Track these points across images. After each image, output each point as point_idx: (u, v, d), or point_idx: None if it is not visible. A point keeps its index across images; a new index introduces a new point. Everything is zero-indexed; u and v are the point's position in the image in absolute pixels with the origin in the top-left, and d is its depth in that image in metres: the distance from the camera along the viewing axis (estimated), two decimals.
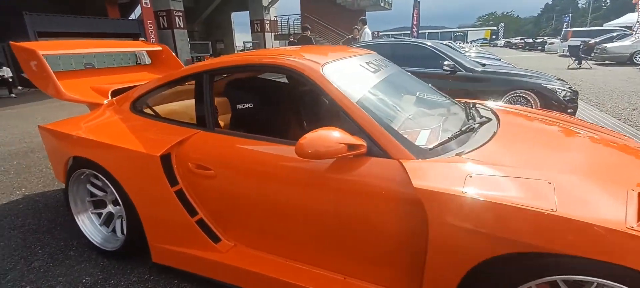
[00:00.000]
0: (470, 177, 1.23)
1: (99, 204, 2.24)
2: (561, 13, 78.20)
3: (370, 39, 8.59)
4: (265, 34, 22.72)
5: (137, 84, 2.84)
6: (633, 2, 30.37)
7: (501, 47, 37.07)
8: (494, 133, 1.65)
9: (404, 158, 1.36)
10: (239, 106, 1.96)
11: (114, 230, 2.20)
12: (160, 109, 2.36)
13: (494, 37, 51.44)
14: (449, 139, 1.51)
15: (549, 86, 4.69)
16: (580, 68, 12.75)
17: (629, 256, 0.98)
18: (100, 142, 1.92)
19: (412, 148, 1.40)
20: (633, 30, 14.79)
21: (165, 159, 1.77)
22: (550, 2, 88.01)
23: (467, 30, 48.04)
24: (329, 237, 1.54)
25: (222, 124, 2.04)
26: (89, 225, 2.22)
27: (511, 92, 4.79)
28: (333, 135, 1.36)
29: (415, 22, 21.35)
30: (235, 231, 1.80)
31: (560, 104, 4.58)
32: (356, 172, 1.41)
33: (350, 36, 9.91)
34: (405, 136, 1.44)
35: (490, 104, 2.40)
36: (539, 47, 26.70)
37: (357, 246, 1.48)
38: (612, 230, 0.99)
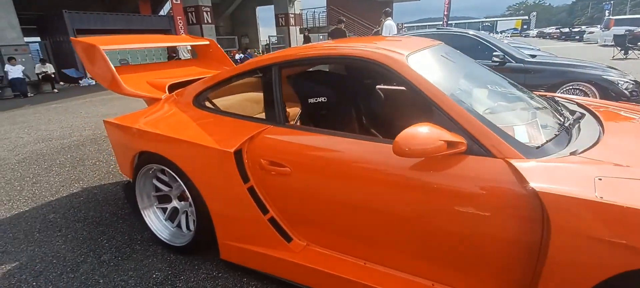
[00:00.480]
0: (600, 179, 1.10)
1: (163, 199, 2.25)
2: (598, 1, 73.93)
3: (395, 32, 7.99)
4: (290, 27, 22.74)
5: (192, 79, 2.86)
6: None
7: (533, 37, 35.41)
8: (601, 129, 1.50)
9: (510, 157, 1.24)
10: (311, 100, 1.88)
11: (179, 226, 2.19)
12: (218, 102, 2.33)
13: (525, 27, 49.19)
14: (556, 136, 1.38)
15: (608, 77, 4.37)
16: (626, 58, 11.96)
17: None
18: (170, 137, 1.90)
19: (519, 147, 1.27)
20: None
21: (237, 155, 1.72)
22: None
23: (496, 20, 46.15)
24: (417, 239, 1.44)
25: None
26: (155, 221, 2.23)
27: (567, 84, 4.50)
28: (432, 132, 1.26)
29: (445, 13, 20.78)
30: (309, 230, 1.74)
31: (621, 97, 4.26)
32: (453, 171, 1.30)
33: (377, 28, 9.64)
34: (508, 132, 1.32)
35: (570, 96, 2.22)
36: (577, 37, 25.28)
37: (449, 251, 1.38)
38: None
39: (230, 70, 2.06)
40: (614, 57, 12.42)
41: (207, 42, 3.52)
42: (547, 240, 1.11)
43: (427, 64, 1.58)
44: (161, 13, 22.15)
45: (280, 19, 22.82)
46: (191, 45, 3.53)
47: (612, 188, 1.05)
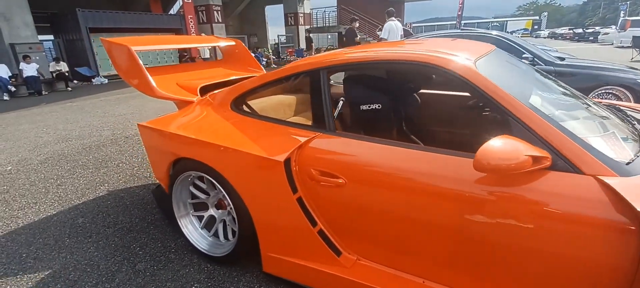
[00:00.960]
0: None
1: (198, 207, 2.17)
2: (610, 1, 72.74)
3: (400, 34, 7.44)
4: (299, 27, 22.68)
5: (224, 81, 2.78)
6: None
7: (545, 38, 34.90)
8: None
9: (600, 174, 1.14)
10: (364, 107, 1.79)
11: (215, 235, 2.12)
12: (254, 105, 2.26)
13: (536, 27, 48.54)
14: None
15: None
16: None
17: None
18: (212, 144, 1.82)
19: (610, 162, 1.17)
20: None
21: (286, 164, 1.63)
22: None
23: (506, 21, 45.65)
24: (488, 260, 1.34)
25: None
26: (192, 230, 2.15)
27: (599, 88, 4.35)
28: (515, 146, 1.16)
29: (459, 13, 20.55)
30: (361, 244, 1.65)
31: None
32: (536, 188, 1.20)
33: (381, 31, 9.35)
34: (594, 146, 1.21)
35: (624, 103, 2.10)
36: (591, 38, 24.84)
37: (525, 275, 1.27)
38: None
39: (272, 73, 1.97)
40: (633, 59, 12.15)
41: (233, 43, 3.45)
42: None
43: (495, 70, 1.48)
44: (171, 12, 22.23)
45: (289, 18, 22.74)
46: (218, 46, 3.45)
47: None
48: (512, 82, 1.43)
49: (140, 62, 2.45)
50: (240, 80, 2.90)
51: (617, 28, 21.01)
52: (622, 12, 27.46)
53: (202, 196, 2.09)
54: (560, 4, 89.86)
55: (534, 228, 1.20)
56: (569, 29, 29.92)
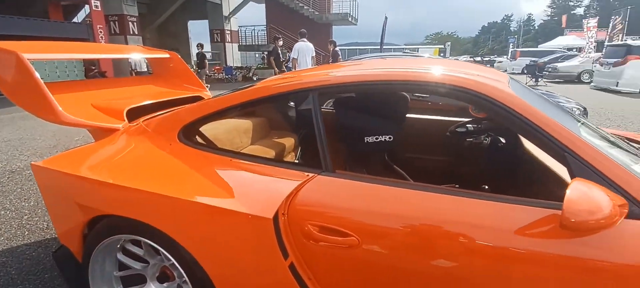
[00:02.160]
0: None
1: (131, 280, 1.54)
2: (496, 34, 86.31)
3: (312, 55, 7.62)
4: (226, 44, 21.76)
5: (159, 102, 2.18)
6: (563, 26, 34.01)
7: None
8: None
9: None
10: (370, 139, 1.43)
11: None
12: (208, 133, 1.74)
13: (441, 55, 54.76)
14: None
15: (565, 105, 4.68)
16: (537, 85, 13.68)
17: None
18: (158, 195, 1.26)
19: None
20: (582, 52, 16.31)
21: (274, 220, 1.18)
22: (486, 25, 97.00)
23: (418, 47, 51.38)
24: None
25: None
26: None
27: None
28: (600, 195, 0.91)
29: (381, 39, 21.87)
30: None
31: None
32: (614, 242, 0.96)
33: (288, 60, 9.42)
34: None
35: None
36: (487, 65, 28.67)
37: None
38: None
39: (240, 94, 1.50)
40: (527, 84, 14.16)
41: (167, 55, 2.83)
42: None
43: (530, 97, 1.26)
44: (75, 20, 19.47)
45: (215, 35, 21.74)
46: (147, 58, 2.80)
47: None
48: (553, 112, 1.22)
49: (37, 75, 1.75)
50: (181, 101, 2.33)
51: (509, 57, 24.70)
52: (511, 44, 32.51)
53: (138, 265, 1.48)
54: (458, 36, 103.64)
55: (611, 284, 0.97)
56: (470, 57, 34.28)
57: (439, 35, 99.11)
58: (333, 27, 22.11)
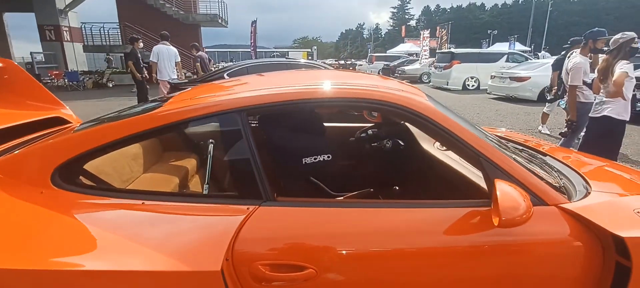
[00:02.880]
0: (638, 213, 1.21)
1: None
2: (352, 40, 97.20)
3: (177, 61, 6.96)
4: (64, 43, 17.87)
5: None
6: (403, 35, 40.63)
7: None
8: (566, 162, 1.71)
9: (559, 202, 1.22)
10: (308, 160, 1.32)
11: None
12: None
13: (310, 58, 58.52)
14: (562, 175, 1.48)
15: None
16: None
17: None
18: (26, 272, 0.89)
19: (561, 191, 1.28)
20: (419, 57, 19.77)
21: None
22: (343, 32, 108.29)
23: (288, 51, 53.81)
24: None
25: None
26: None
27: None
28: (518, 193, 1.08)
29: (252, 41, 21.72)
30: None
31: None
32: (522, 229, 1.17)
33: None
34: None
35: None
36: (351, 68, 32.12)
37: None
38: None
39: (146, 119, 1.22)
40: None
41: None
42: (626, 276, 1.11)
43: (443, 107, 1.41)
44: None
45: (47, 32, 17.59)
46: None
47: None
48: (461, 120, 1.40)
49: None
50: (31, 126, 1.79)
51: (367, 61, 28.19)
52: (369, 49, 37.12)
53: None
54: (321, 40, 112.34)
55: (525, 269, 1.17)
56: (335, 60, 37.66)
57: (305, 39, 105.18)
58: (202, 28, 20.79)
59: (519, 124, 6.99)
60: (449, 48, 18.45)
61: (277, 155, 1.44)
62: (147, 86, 7.43)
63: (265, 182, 1.15)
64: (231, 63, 6.94)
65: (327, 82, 1.40)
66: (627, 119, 3.04)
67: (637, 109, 5.97)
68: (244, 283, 1.04)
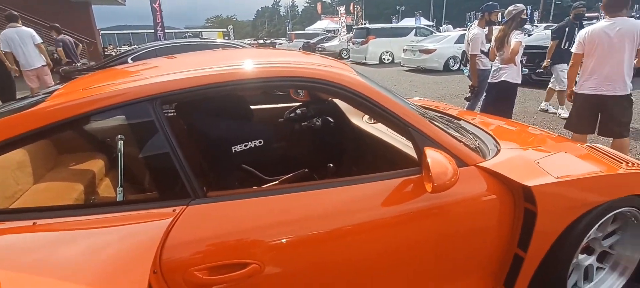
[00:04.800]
0: (538, 163, 1.39)
1: None
2: (269, 19, 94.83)
3: (37, 43, 5.40)
4: None
5: None
6: (319, 12, 40.94)
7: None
8: (476, 124, 1.88)
9: (477, 162, 1.34)
10: (238, 148, 1.18)
11: None
12: None
13: (226, 38, 55.43)
14: (476, 136, 1.62)
15: None
16: None
17: None
18: None
19: (476, 151, 1.40)
20: (337, 34, 20.15)
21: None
22: (260, 10, 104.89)
23: (201, 32, 50.10)
24: (425, 269, 1.30)
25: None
26: None
27: None
28: (445, 158, 1.14)
29: (158, 21, 19.70)
30: None
31: None
32: (447, 191, 1.25)
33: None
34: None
35: None
36: (270, 47, 31.40)
37: (453, 268, 1.34)
38: None
39: (28, 116, 0.98)
40: None
41: None
42: (533, 219, 1.27)
43: (372, 82, 1.41)
44: None
45: None
46: None
47: (552, 167, 1.36)
48: (390, 93, 1.42)
49: None
50: None
51: (287, 39, 27.81)
52: (288, 27, 36.56)
53: None
54: (237, 19, 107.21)
55: (454, 225, 1.27)
56: (254, 40, 36.43)
57: (219, 18, 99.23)
58: (93, 7, 18.04)
59: (430, 93, 7.64)
60: (364, 24, 19.16)
61: (203, 147, 1.30)
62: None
63: (191, 179, 1.03)
64: (136, 46, 6.07)
65: (252, 62, 1.29)
66: (520, 82, 3.52)
67: (523, 72, 6.98)
68: None
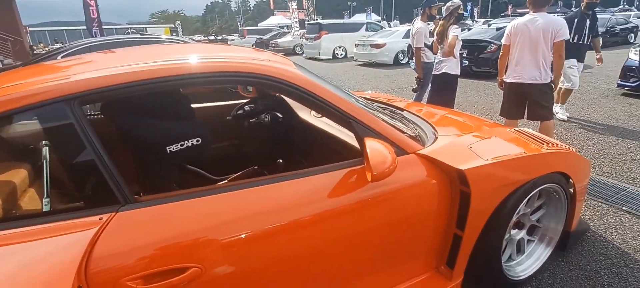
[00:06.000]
0: (471, 148, 1.48)
1: None
2: (220, 14, 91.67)
3: None
4: None
5: None
6: (271, 8, 40.38)
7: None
8: (419, 114, 1.96)
9: (416, 150, 1.40)
10: (173, 147, 1.10)
11: None
12: None
13: (174, 34, 52.63)
14: (417, 125, 1.68)
15: None
16: None
17: None
18: None
19: (416, 140, 1.46)
20: (290, 30, 19.98)
21: None
22: (209, 4, 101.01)
23: (145, 27, 47.30)
24: (373, 255, 1.33)
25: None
26: None
27: None
28: (385, 148, 1.17)
29: (94, 16, 18.14)
30: None
31: None
32: (393, 177, 1.29)
33: None
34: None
35: None
36: (222, 44, 30.30)
37: (399, 251, 1.39)
38: None
39: None
40: None
41: None
42: (468, 200, 1.36)
43: (310, 74, 1.41)
44: None
45: None
46: None
47: (482, 151, 1.46)
48: (328, 85, 1.42)
49: None
50: None
51: (239, 35, 27.06)
52: (240, 23, 35.56)
53: None
54: (185, 14, 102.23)
55: (398, 211, 1.32)
56: (204, 36, 35.03)
57: (165, 13, 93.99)
58: (18, 1, 16.21)
59: (382, 86, 7.88)
60: (317, 19, 19.22)
61: (134, 148, 1.21)
62: None
63: (120, 183, 0.96)
64: (67, 44, 5.58)
65: (186, 57, 1.23)
66: (459, 74, 3.74)
67: (463, 64, 7.39)
68: None
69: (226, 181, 1.77)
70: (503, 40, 3.01)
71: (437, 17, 4.13)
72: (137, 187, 1.30)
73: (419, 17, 4.27)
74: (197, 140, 1.23)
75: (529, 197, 1.56)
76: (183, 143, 1.19)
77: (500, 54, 3.07)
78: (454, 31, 3.45)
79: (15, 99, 0.93)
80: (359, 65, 11.88)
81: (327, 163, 1.25)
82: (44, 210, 0.90)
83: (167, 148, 1.16)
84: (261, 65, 1.22)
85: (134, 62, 1.14)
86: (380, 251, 1.35)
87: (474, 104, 5.69)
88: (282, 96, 2.21)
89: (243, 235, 1.04)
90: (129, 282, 0.87)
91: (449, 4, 3.59)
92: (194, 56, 1.24)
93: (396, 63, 11.02)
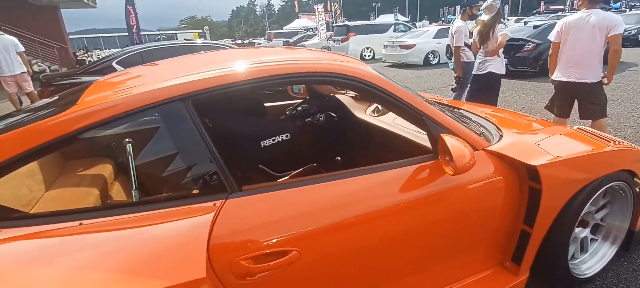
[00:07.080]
0: (539, 145, 1.50)
1: None
2: (245, 18, 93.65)
3: (19, 51, 5.68)
4: None
5: None
6: (296, 11, 40.82)
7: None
8: (476, 112, 1.99)
9: (484, 146, 1.44)
10: (266, 142, 1.22)
11: None
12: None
13: (202, 39, 54.30)
14: (479, 124, 1.72)
15: None
16: None
17: None
18: None
19: (483, 137, 1.50)
20: (316, 32, 20.13)
21: None
22: (235, 10, 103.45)
23: (176, 33, 48.98)
24: (440, 248, 1.39)
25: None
26: None
27: None
28: (461, 143, 1.23)
29: (133, 24, 19.10)
30: None
31: None
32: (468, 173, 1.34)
33: None
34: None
35: None
36: (250, 46, 31.05)
37: (465, 245, 1.44)
38: None
39: (62, 122, 0.99)
40: None
41: None
42: (538, 197, 1.38)
43: (387, 78, 1.48)
44: None
45: None
46: None
47: (550, 147, 1.48)
48: (404, 88, 1.49)
49: None
50: None
51: (266, 39, 27.61)
52: (266, 27, 36.26)
53: None
54: (211, 19, 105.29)
55: (472, 205, 1.37)
56: (232, 41, 35.99)
57: (193, 19, 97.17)
58: (62, 11, 17.32)
59: (414, 87, 7.83)
60: (343, 21, 19.29)
61: (233, 143, 1.34)
62: None
63: (227, 174, 1.07)
64: (119, 50, 5.95)
65: (269, 59, 1.34)
66: (504, 73, 3.70)
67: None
68: (227, 282, 0.97)
69: (288, 177, 1.87)
70: (552, 38, 2.96)
71: (478, 14, 4.10)
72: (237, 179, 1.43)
73: (459, 16, 4.25)
74: (287, 136, 1.33)
75: (596, 195, 1.56)
76: (275, 138, 1.30)
77: (550, 52, 3.03)
78: (502, 30, 3.42)
79: (140, 99, 1.06)
80: (388, 66, 11.84)
81: (386, 160, 1.32)
82: (172, 195, 1.03)
83: (262, 142, 1.28)
84: (342, 65, 1.30)
85: (226, 65, 1.25)
86: (447, 243, 1.40)
87: (513, 103, 5.57)
88: (336, 96, 2.30)
89: (332, 223, 1.12)
90: (242, 262, 0.98)
91: (491, 2, 3.56)
92: (278, 59, 1.35)
93: (426, 64, 10.91)
